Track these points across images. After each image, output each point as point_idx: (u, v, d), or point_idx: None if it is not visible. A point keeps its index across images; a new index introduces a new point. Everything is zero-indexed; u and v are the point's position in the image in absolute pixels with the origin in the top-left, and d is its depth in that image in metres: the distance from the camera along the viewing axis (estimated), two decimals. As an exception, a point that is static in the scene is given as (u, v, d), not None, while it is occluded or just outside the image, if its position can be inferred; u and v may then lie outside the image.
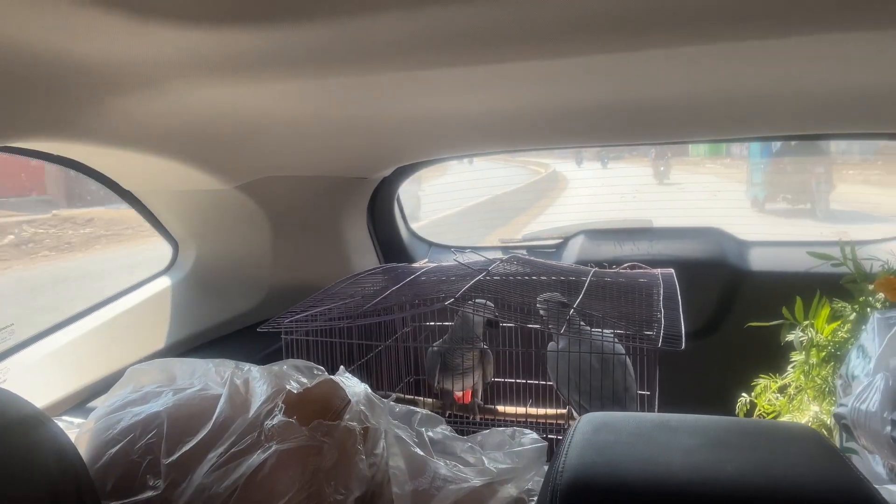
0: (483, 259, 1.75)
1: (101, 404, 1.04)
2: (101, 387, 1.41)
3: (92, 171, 1.48)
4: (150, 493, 0.91)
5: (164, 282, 1.75)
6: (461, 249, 2.05)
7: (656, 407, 1.32)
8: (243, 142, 1.51)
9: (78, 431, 1.00)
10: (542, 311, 1.46)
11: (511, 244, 2.38)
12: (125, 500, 0.90)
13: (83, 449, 0.96)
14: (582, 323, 1.43)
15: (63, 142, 1.19)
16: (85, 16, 0.86)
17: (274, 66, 1.11)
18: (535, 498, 0.92)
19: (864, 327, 1.31)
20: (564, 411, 1.57)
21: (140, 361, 1.13)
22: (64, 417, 1.23)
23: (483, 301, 1.49)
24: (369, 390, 1.02)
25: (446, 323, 1.74)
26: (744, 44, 1.02)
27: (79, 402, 1.39)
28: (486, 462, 0.97)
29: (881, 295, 1.38)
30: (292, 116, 1.44)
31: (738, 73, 1.23)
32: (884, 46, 1.06)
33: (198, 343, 1.75)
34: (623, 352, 1.41)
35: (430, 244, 2.43)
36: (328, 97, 1.33)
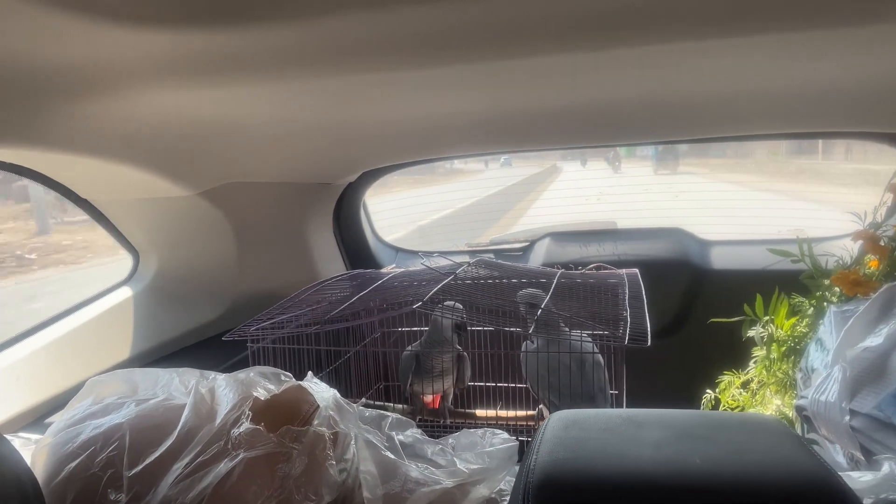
0: (451, 263, 1.75)
1: (60, 418, 1.00)
2: (60, 401, 1.36)
3: (46, 180, 1.44)
4: (112, 508, 0.88)
5: (125, 292, 1.70)
6: (429, 254, 2.05)
7: (624, 405, 1.34)
8: (205, 147, 1.48)
9: (35, 447, 0.97)
10: (521, 309, 1.47)
11: (478, 248, 2.38)
12: (86, 516, 0.87)
13: (40, 464, 0.93)
14: (561, 323, 1.44)
15: (15, 149, 1.15)
16: (36, 16, 0.83)
17: (236, 68, 1.09)
18: (508, 498, 0.92)
19: (821, 321, 1.34)
20: (535, 412, 1.58)
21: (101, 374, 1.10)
22: (21, 434, 1.18)
23: (451, 303, 1.49)
24: (338, 395, 1.01)
25: (415, 328, 1.74)
26: (712, 42, 1.03)
27: (37, 418, 1.34)
28: (457, 463, 0.96)
29: (837, 289, 1.42)
30: (255, 120, 1.42)
31: (714, 73, 1.25)
32: (856, 43, 1.08)
33: (161, 354, 1.71)
34: (598, 352, 1.42)
35: (398, 250, 2.42)
36: (292, 100, 1.31)
